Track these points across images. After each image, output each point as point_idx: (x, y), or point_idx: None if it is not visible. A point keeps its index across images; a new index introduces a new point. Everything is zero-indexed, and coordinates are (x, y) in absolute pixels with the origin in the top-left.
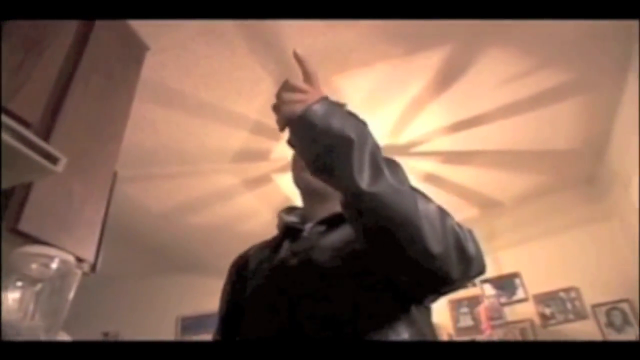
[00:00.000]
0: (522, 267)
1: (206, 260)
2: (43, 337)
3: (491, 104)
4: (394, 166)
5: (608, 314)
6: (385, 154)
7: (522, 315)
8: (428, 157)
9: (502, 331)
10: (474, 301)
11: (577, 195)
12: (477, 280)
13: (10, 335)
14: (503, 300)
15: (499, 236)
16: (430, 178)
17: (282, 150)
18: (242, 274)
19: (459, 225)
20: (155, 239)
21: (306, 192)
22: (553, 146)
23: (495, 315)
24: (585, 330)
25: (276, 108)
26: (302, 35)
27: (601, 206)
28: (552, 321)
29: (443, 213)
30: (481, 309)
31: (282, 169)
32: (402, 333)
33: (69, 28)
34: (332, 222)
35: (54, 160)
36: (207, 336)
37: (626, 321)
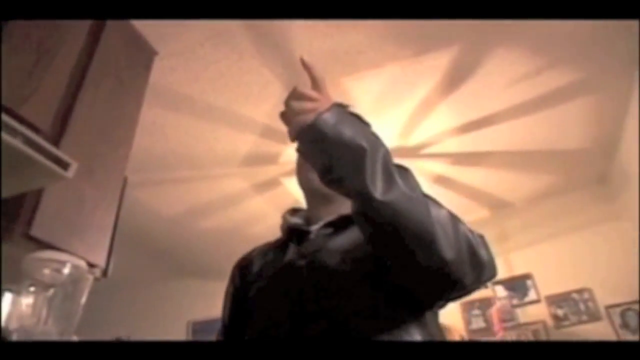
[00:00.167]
0: (534, 268)
1: (216, 264)
2: None
3: (500, 105)
4: (405, 172)
5: (623, 315)
6: (395, 156)
7: (535, 317)
8: (438, 158)
9: (515, 333)
10: (485, 303)
11: (588, 195)
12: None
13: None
14: (515, 301)
15: (510, 237)
16: (440, 180)
17: (291, 154)
18: (245, 275)
19: (471, 231)
20: (166, 243)
21: (311, 193)
22: (563, 146)
23: (508, 317)
24: (599, 332)
25: (285, 117)
26: (310, 37)
27: (613, 206)
28: (566, 322)
29: (455, 219)
30: (493, 311)
31: (291, 173)
32: (415, 335)
33: (79, 34)
34: (340, 225)
35: (64, 165)
36: None
37: None
